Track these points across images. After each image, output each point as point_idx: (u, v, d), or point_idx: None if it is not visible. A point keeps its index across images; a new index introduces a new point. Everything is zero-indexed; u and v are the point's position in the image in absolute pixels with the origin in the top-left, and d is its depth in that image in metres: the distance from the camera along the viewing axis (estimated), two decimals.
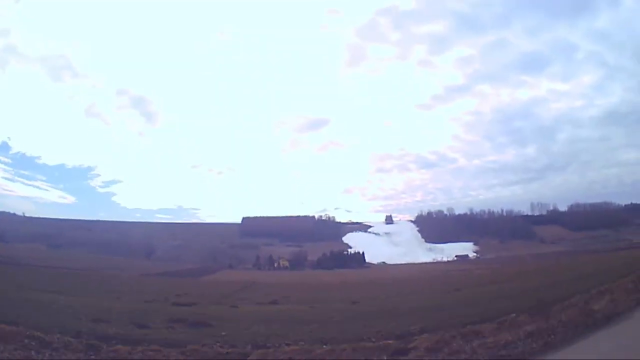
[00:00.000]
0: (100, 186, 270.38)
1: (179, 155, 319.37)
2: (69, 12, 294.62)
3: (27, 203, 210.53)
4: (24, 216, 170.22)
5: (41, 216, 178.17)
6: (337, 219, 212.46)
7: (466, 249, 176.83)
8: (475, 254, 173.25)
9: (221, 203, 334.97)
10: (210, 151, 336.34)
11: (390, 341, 23.43)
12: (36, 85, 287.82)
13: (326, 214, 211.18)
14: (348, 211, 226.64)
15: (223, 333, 27.35)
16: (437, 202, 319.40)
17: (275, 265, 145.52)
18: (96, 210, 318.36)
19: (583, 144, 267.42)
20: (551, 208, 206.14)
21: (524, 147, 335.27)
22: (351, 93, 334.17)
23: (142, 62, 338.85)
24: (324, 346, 22.53)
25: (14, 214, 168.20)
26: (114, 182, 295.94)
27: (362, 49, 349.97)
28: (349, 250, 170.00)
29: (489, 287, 57.61)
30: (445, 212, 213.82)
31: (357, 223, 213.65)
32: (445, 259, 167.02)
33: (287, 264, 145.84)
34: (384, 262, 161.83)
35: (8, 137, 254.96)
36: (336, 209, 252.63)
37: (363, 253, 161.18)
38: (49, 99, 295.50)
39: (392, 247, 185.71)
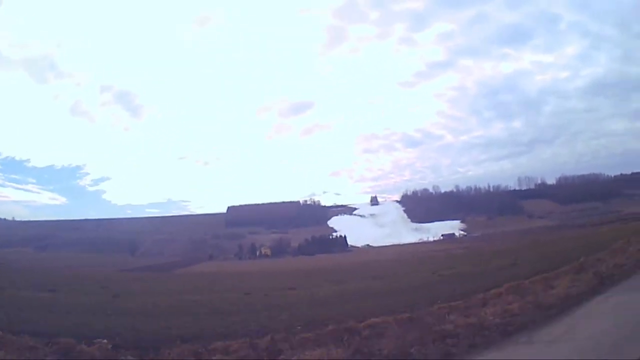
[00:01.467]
0: (89, 185, 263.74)
1: (165, 147, 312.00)
2: (50, 12, 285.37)
3: (19, 207, 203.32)
4: (14, 220, 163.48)
5: (32, 219, 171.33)
6: (323, 203, 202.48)
7: (453, 227, 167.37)
8: (462, 232, 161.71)
9: (209, 193, 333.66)
10: (195, 142, 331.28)
11: None
12: (20, 88, 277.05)
13: (311, 199, 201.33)
14: (337, 194, 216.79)
15: None
16: (426, 181, 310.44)
17: (257, 254, 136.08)
18: (87, 209, 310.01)
19: (570, 115, 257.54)
20: (539, 182, 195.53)
21: (511, 121, 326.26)
22: (334, 74, 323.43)
23: (124, 57, 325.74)
24: None
25: (4, 219, 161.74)
26: (102, 179, 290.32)
27: (342, 30, 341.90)
28: (334, 234, 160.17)
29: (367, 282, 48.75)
30: (431, 190, 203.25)
31: (342, 206, 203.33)
32: (431, 239, 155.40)
33: (269, 252, 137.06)
34: (368, 245, 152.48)
35: None
36: (324, 192, 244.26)
37: (345, 237, 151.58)
38: (34, 101, 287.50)
39: (377, 228, 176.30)
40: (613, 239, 38.15)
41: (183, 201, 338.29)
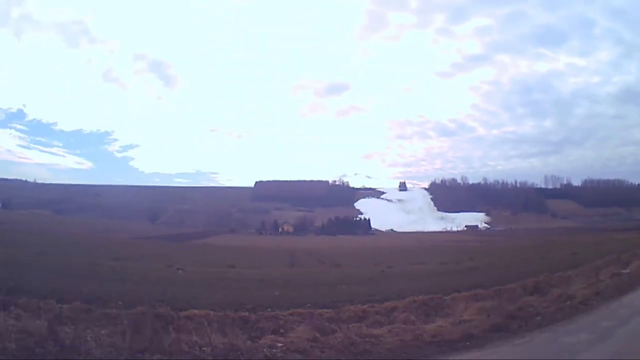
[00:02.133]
0: (117, 151, 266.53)
1: (197, 118, 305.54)
2: None
3: (43, 170, 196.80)
4: (35, 183, 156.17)
5: (55, 182, 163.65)
6: (351, 185, 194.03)
7: (477, 219, 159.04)
8: (486, 225, 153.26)
9: (239, 167, 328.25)
10: (229, 115, 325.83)
11: None
12: (52, 52, 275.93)
13: (341, 180, 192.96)
14: (367, 177, 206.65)
15: None
16: (456, 171, 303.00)
17: (280, 230, 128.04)
18: (113, 175, 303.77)
19: (600, 120, 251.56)
20: (565, 182, 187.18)
21: (542, 120, 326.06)
22: (372, 59, 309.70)
23: (159, 26, 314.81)
24: None
25: (25, 181, 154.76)
26: (131, 146, 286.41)
27: (382, 16, 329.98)
28: (360, 216, 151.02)
29: None
30: (459, 180, 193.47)
31: (370, 189, 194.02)
32: (455, 229, 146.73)
33: (291, 229, 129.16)
34: (392, 230, 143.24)
35: (23, 105, 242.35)
36: (355, 174, 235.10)
37: (369, 220, 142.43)
38: (66, 65, 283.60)
39: (403, 214, 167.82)
40: (614, 250, 32.38)
41: (212, 173, 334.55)
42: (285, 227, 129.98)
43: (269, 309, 15.21)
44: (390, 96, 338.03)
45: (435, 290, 18.98)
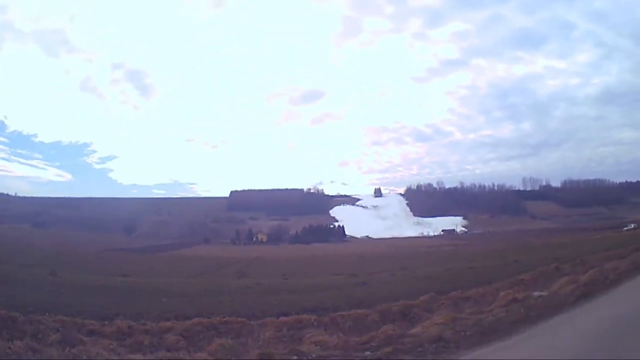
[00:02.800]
0: (96, 162, 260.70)
1: (174, 128, 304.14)
2: None
3: (23, 183, 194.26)
4: (16, 196, 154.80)
5: (36, 195, 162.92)
6: (327, 192, 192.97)
7: (455, 223, 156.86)
8: (463, 229, 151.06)
9: (216, 177, 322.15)
10: (205, 124, 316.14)
11: None
12: (32, 61, 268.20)
13: (316, 187, 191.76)
14: (344, 184, 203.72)
15: None
16: (433, 176, 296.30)
17: (254, 239, 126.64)
18: (93, 187, 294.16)
19: (579, 121, 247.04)
20: (544, 184, 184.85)
21: (520, 123, 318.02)
22: (347, 65, 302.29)
23: (138, 35, 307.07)
24: None
25: (7, 195, 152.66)
26: (110, 158, 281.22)
27: (357, 21, 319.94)
28: (335, 223, 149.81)
29: None
30: (435, 185, 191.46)
31: (345, 196, 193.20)
32: (431, 234, 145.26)
33: (265, 238, 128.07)
34: (367, 236, 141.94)
35: (5, 116, 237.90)
36: (332, 182, 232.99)
37: (343, 227, 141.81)
38: (45, 75, 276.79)
39: (378, 220, 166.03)
40: (566, 257, 29.59)
41: (189, 183, 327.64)
42: (260, 237, 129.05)
43: (46, 313, 14.93)
44: (366, 102, 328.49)
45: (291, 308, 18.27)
